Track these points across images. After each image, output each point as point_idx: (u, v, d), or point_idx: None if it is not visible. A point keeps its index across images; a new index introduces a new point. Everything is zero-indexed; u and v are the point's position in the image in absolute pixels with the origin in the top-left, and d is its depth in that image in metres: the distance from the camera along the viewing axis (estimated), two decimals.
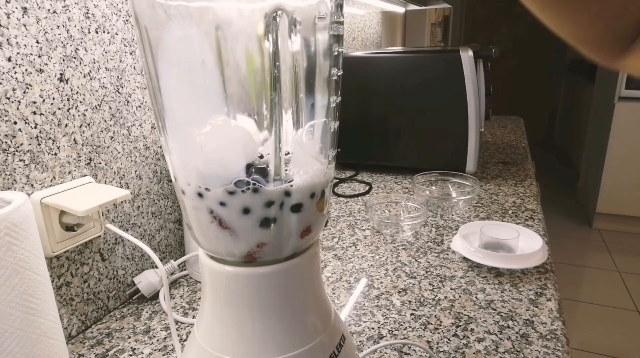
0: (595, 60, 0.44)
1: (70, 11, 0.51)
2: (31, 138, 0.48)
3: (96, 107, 0.56)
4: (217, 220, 0.30)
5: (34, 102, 0.48)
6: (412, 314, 0.59)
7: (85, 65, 0.54)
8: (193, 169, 0.30)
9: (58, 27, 0.50)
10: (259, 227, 0.30)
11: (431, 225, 0.86)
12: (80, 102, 0.54)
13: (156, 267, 0.66)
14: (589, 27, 0.39)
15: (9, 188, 0.47)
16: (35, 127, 0.49)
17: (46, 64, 0.49)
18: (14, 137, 0.47)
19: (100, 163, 0.57)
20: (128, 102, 0.61)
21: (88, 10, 0.54)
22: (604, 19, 0.39)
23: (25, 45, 0.47)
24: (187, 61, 0.28)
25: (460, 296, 0.62)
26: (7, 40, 0.45)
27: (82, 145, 0.55)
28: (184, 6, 0.26)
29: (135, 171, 0.63)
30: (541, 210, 0.91)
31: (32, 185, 0.49)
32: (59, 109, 0.51)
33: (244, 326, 0.32)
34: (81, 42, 0.53)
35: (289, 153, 0.30)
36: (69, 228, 0.53)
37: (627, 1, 0.38)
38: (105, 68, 0.57)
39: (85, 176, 0.55)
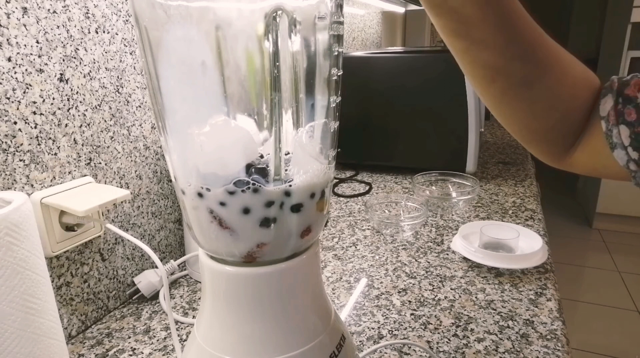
0: (545, 160, 0.47)
1: (70, 11, 0.51)
2: (31, 138, 0.48)
3: (96, 107, 0.56)
4: (217, 220, 0.30)
5: (34, 102, 0.48)
6: (412, 314, 0.59)
7: (85, 65, 0.54)
8: (193, 169, 0.30)
9: (58, 27, 0.50)
10: (259, 227, 0.30)
11: (431, 225, 0.86)
12: (80, 102, 0.54)
13: (156, 267, 0.66)
14: (545, 117, 0.42)
15: (9, 188, 0.47)
16: (35, 127, 0.49)
17: (46, 64, 0.49)
18: (14, 137, 0.47)
19: (100, 163, 0.57)
20: (128, 102, 0.61)
21: (88, 10, 0.54)
22: (558, 110, 0.41)
23: (25, 45, 0.47)
24: (187, 61, 0.28)
25: (460, 296, 0.62)
26: (7, 40, 0.45)
27: (82, 145, 0.55)
28: (184, 6, 0.26)
29: (135, 171, 0.63)
30: (541, 210, 0.91)
31: (32, 185, 0.49)
32: (59, 109, 0.51)
33: (244, 326, 0.32)
34: (81, 42, 0.53)
35: (289, 153, 0.30)
36: (69, 228, 0.53)
37: (576, 90, 0.40)
38: (105, 68, 0.57)
39: (85, 176, 0.55)
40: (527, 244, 0.72)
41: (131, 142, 0.62)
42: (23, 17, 0.46)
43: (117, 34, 0.58)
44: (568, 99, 0.40)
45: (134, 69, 0.61)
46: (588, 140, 0.41)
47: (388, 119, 1.12)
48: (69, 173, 0.53)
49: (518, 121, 0.42)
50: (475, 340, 0.53)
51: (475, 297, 0.62)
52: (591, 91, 0.41)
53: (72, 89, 0.52)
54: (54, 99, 0.50)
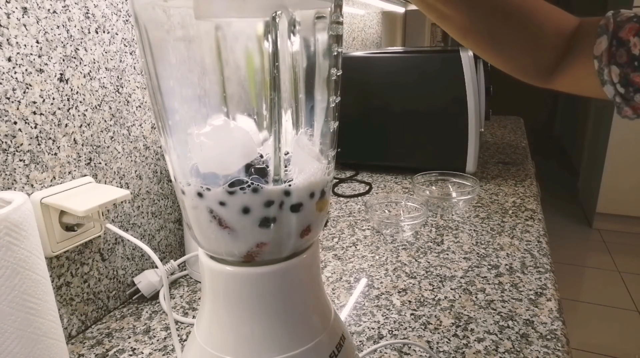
0: (529, 81, 0.54)
1: (70, 11, 0.51)
2: (31, 138, 0.48)
3: (96, 107, 0.56)
4: (216, 220, 0.30)
5: (34, 102, 0.48)
6: (412, 314, 0.59)
7: (85, 65, 0.54)
8: (193, 169, 0.30)
9: (58, 27, 0.50)
10: (259, 227, 0.30)
11: (431, 225, 0.86)
12: (80, 102, 0.54)
13: (156, 267, 0.66)
14: (518, 58, 0.50)
15: (9, 188, 0.47)
16: (35, 127, 0.49)
17: (46, 64, 0.49)
18: (14, 137, 0.47)
19: (100, 163, 0.57)
20: (128, 102, 0.61)
21: (88, 10, 0.54)
22: (528, 51, 0.49)
23: (25, 45, 0.47)
24: (187, 61, 0.28)
25: (460, 296, 0.62)
26: (7, 40, 0.45)
27: (82, 145, 0.55)
28: (184, 6, 0.26)
29: (135, 171, 0.63)
30: (541, 210, 0.91)
31: (32, 185, 0.49)
32: (59, 109, 0.51)
33: (244, 326, 0.32)
34: (81, 42, 0.53)
35: (288, 153, 0.30)
36: (69, 228, 0.53)
37: (543, 33, 0.47)
38: (105, 68, 0.57)
39: (85, 176, 0.55)
40: None
41: (131, 142, 0.62)
42: (23, 17, 0.46)
43: (117, 34, 0.58)
44: (534, 42, 0.48)
45: (134, 69, 0.61)
46: (572, 70, 0.48)
47: (388, 119, 1.12)
48: (69, 173, 0.53)
49: (496, 61, 0.51)
50: (475, 340, 0.53)
51: (475, 297, 0.62)
52: (561, 30, 0.47)
53: (72, 89, 0.52)
54: (54, 99, 0.50)
